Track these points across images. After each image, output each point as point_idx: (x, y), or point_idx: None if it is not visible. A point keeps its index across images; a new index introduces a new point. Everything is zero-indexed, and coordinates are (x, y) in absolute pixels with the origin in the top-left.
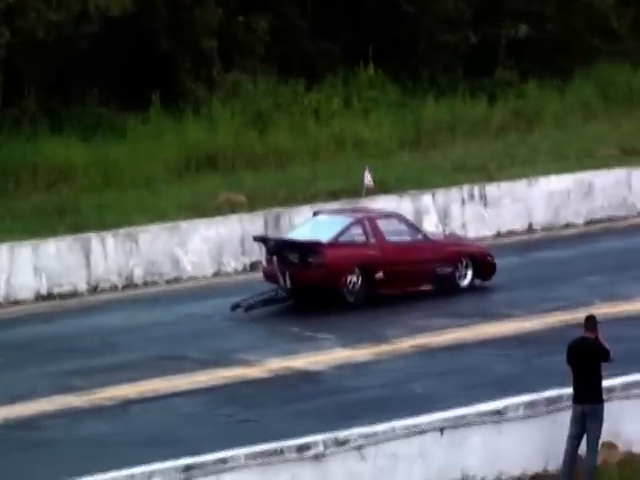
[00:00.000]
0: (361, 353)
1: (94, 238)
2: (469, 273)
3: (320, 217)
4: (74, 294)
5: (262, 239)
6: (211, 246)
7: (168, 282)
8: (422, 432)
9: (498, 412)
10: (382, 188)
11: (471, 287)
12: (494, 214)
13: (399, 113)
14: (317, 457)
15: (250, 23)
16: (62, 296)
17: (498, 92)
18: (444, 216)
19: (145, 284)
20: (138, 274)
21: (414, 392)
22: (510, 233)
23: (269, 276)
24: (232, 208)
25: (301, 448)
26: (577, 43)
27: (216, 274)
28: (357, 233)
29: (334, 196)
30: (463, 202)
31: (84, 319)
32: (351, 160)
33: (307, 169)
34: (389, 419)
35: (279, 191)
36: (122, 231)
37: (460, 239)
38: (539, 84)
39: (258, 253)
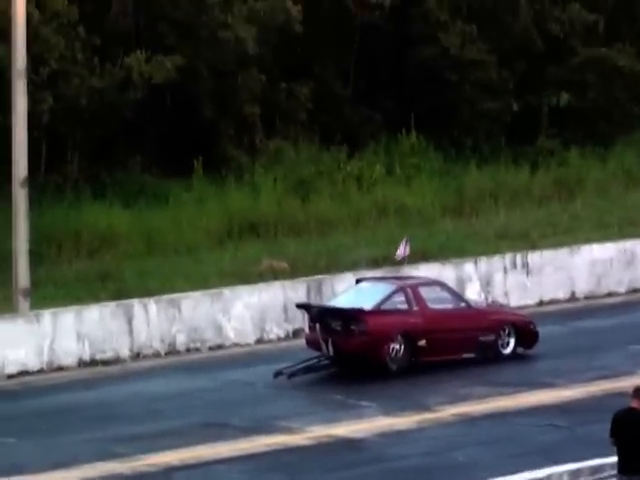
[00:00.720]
0: (403, 421)
1: (137, 304)
2: (512, 341)
3: (363, 284)
4: (117, 360)
5: (305, 306)
6: (253, 313)
7: (211, 349)
8: None
9: None
10: (424, 256)
11: (514, 355)
12: (536, 282)
13: (441, 180)
14: None
15: (292, 90)
16: (105, 362)
17: (540, 160)
18: (486, 284)
19: (188, 351)
20: (181, 341)
21: (457, 461)
22: (552, 302)
23: (312, 343)
24: (274, 275)
25: None
26: (618, 111)
27: (259, 341)
28: (400, 301)
29: (376, 263)
30: (505, 270)
31: (126, 386)
32: (393, 227)
33: (349, 236)
34: None
35: (321, 258)
36: (165, 297)
37: (502, 307)
38: (581, 152)
39: (301, 320)
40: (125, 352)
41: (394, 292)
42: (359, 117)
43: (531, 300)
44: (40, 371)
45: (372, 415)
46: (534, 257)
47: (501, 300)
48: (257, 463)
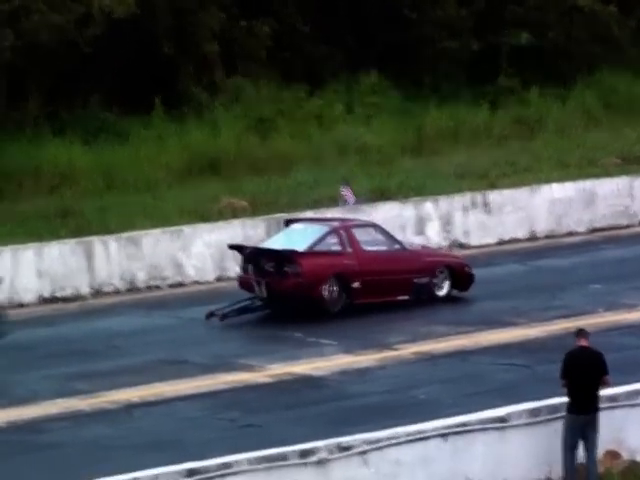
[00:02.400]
0: (364, 359)
1: (97, 242)
2: (446, 283)
3: (296, 226)
4: (77, 297)
5: (238, 247)
6: (213, 251)
7: (171, 286)
8: (425, 438)
9: (501, 419)
10: (384, 194)
11: (448, 298)
12: (496, 222)
13: (401, 119)
14: (320, 462)
15: (252, 28)
16: (65, 299)
17: (500, 99)
18: (446, 223)
19: (148, 288)
20: (141, 278)
21: (417, 399)
22: (512, 241)
23: (245, 285)
24: (234, 213)
25: (304, 453)
26: (579, 51)
27: (219, 279)
28: (333, 242)
29: (336, 202)
30: (465, 209)
31: (87, 323)
32: (353, 166)
33: (309, 174)
34: (392, 425)
35: (281, 196)
36: (125, 235)
37: (437, 250)
38: (541, 92)
39: None
40: (85, 289)
41: (327, 234)
42: (319, 54)
43: (491, 239)
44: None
45: (332, 353)
46: (494, 196)
47: (461, 239)
48: (216, 400)
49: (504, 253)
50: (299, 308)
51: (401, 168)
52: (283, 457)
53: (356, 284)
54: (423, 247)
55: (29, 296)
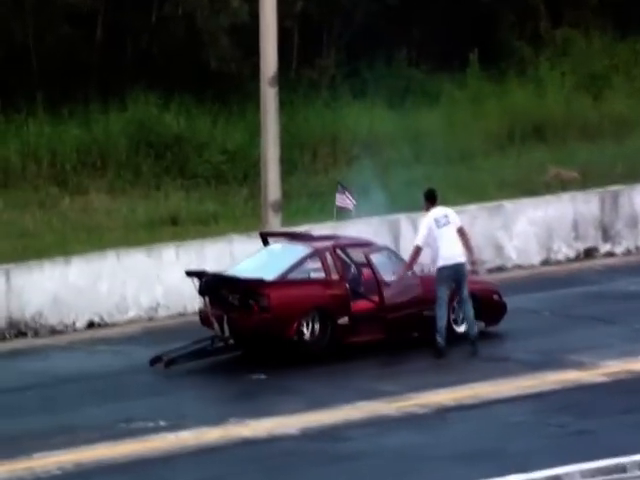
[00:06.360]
0: None
1: (403, 219)
2: None
3: (274, 246)
4: None
5: (197, 274)
6: (538, 230)
7: (490, 271)
8: None
9: None
10: None
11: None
12: None
13: None
14: None
15: None
16: None
17: None
18: None
19: None
20: None
21: None
22: None
23: (206, 321)
24: (563, 185)
25: None
26: None
27: (544, 262)
28: (315, 268)
29: None
30: None
31: None
32: None
33: None
34: None
35: (617, 166)
36: None
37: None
38: None
39: (594, 238)
40: None
41: (308, 257)
42: None
43: None
44: None
45: None
46: None
47: None
48: (542, 403)
49: None
50: (272, 349)
51: None
52: (621, 469)
53: (343, 320)
54: None
55: None
